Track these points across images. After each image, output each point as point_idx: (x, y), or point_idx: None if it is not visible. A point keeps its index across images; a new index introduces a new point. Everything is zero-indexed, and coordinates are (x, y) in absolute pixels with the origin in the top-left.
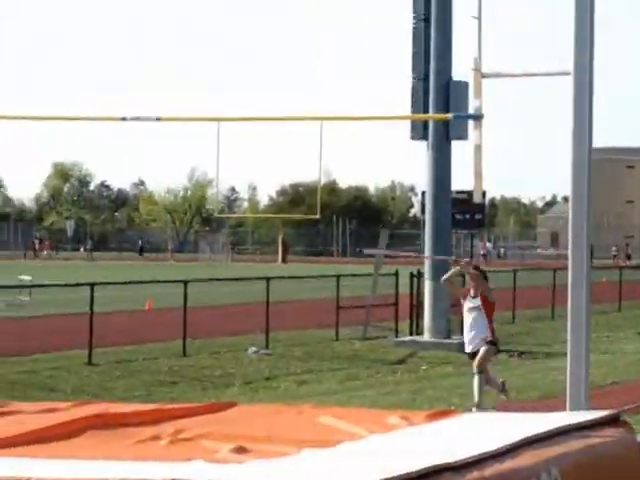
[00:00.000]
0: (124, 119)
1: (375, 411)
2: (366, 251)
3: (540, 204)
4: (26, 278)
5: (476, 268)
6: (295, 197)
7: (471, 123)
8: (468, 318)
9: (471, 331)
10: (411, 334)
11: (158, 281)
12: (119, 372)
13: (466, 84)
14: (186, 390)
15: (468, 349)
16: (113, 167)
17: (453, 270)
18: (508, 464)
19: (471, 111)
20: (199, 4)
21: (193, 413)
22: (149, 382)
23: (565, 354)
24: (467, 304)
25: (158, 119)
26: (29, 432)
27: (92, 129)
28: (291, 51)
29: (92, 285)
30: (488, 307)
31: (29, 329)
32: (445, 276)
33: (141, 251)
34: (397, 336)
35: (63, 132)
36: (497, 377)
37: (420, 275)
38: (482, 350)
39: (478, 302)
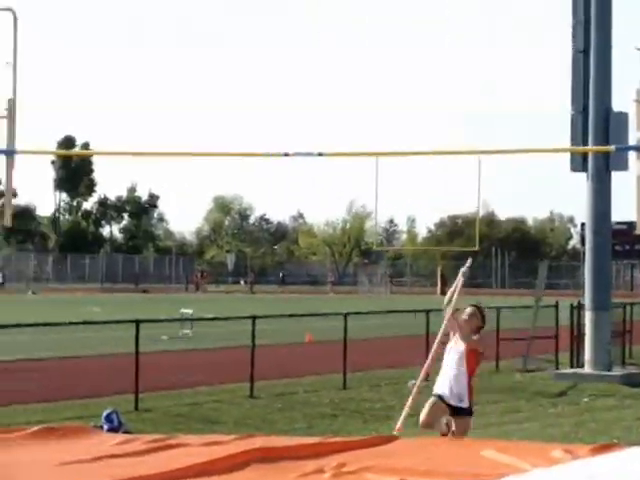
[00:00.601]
0: (286, 155)
1: (538, 444)
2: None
3: None
4: (188, 311)
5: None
6: (454, 229)
7: (632, 154)
8: (449, 359)
9: (451, 380)
10: (572, 366)
11: (318, 314)
12: (280, 405)
13: (626, 115)
14: (347, 423)
15: (451, 400)
16: (273, 200)
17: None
18: None
19: (632, 142)
20: (356, 44)
21: (355, 446)
22: (310, 415)
23: None
24: (453, 342)
25: (320, 154)
26: (194, 465)
27: (253, 163)
28: (447, 86)
29: (253, 318)
30: (474, 358)
31: (192, 362)
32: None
33: (283, 281)
34: (558, 368)
35: (224, 166)
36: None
37: (580, 306)
38: (467, 427)
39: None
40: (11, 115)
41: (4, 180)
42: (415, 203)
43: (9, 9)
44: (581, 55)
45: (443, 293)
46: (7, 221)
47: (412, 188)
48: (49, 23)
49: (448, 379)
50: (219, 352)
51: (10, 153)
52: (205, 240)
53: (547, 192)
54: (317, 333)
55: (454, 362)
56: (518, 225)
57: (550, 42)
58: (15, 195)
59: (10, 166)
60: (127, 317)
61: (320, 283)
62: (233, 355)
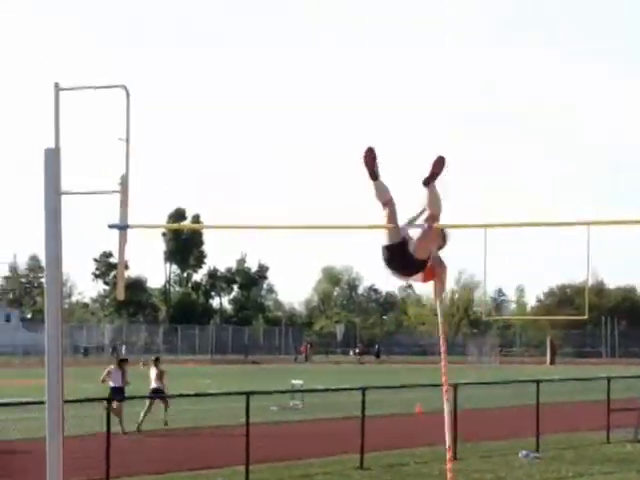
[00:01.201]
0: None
1: None
2: None
3: None
4: (298, 382)
5: None
6: (563, 298)
7: None
8: None
9: None
10: None
11: (427, 385)
12: (390, 476)
13: None
14: None
15: None
16: (381, 271)
17: None
18: None
19: None
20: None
21: None
22: None
23: None
24: None
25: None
26: None
27: (361, 233)
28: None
29: (363, 389)
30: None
31: (302, 433)
32: None
33: (377, 355)
34: None
35: (332, 237)
36: None
37: None
38: None
39: None
40: (124, 190)
41: (117, 254)
42: (524, 272)
43: (122, 86)
44: None
45: (552, 362)
46: (120, 294)
47: (521, 257)
48: (159, 97)
49: None
50: (329, 423)
51: (123, 228)
52: (314, 311)
53: None
54: (427, 403)
55: None
56: (628, 294)
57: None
58: (127, 267)
59: (123, 240)
60: (237, 389)
61: (429, 353)
62: (343, 426)
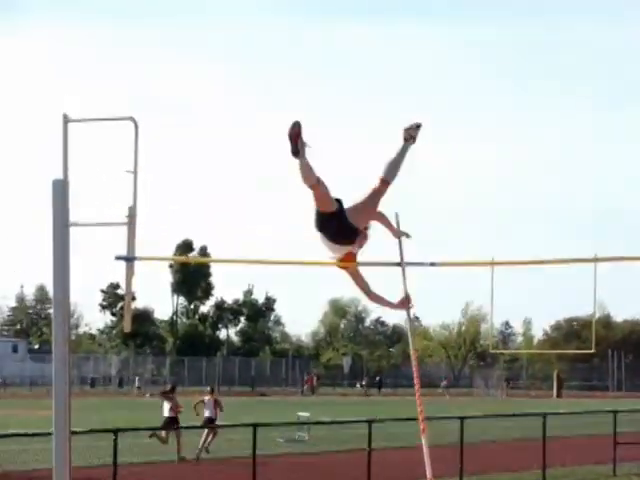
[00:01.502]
0: (399, 264)
1: None
2: None
3: None
4: (305, 415)
5: None
6: (569, 332)
7: None
8: None
9: None
10: None
11: (433, 417)
12: None
13: None
14: None
15: None
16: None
17: None
18: None
19: None
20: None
21: None
22: None
23: None
24: None
25: (432, 264)
26: None
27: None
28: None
29: (369, 422)
30: None
31: (307, 465)
32: None
33: (379, 387)
34: None
35: (339, 270)
36: None
37: None
38: None
39: None
40: (131, 222)
41: (124, 285)
42: (531, 305)
43: (130, 118)
44: None
45: (559, 396)
46: (127, 327)
47: (528, 290)
48: (167, 128)
49: None
50: (335, 455)
51: (130, 260)
52: (321, 343)
53: None
54: (433, 436)
55: None
56: (635, 327)
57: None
58: (134, 299)
59: (130, 272)
60: (244, 420)
61: (435, 385)
62: (349, 458)
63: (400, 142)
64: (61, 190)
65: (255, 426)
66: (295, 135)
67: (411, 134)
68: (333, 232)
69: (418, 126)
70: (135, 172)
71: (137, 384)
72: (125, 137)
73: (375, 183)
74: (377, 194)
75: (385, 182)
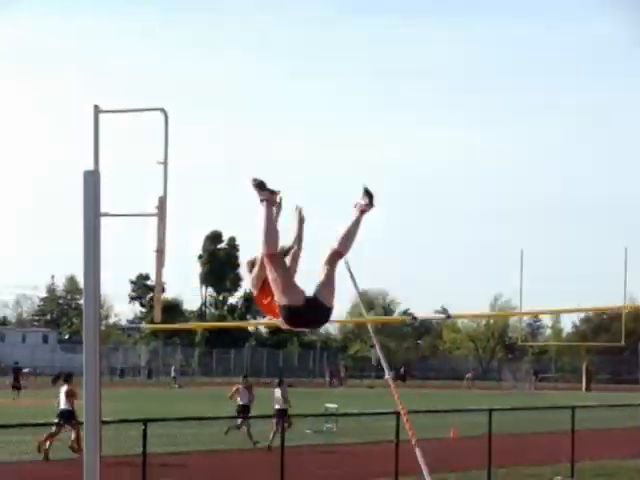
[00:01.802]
0: (414, 319)
1: None
2: None
3: None
4: (332, 406)
5: None
6: (599, 324)
7: None
8: None
9: None
10: None
11: (462, 410)
12: None
13: None
14: None
15: None
16: (417, 295)
17: None
18: None
19: None
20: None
21: None
22: None
23: None
24: None
25: (448, 317)
26: None
27: (396, 258)
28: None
29: (397, 414)
30: None
31: (335, 456)
32: None
33: (403, 378)
34: None
35: (368, 261)
36: None
37: None
38: None
39: None
40: (162, 213)
41: (154, 276)
42: (560, 297)
43: (160, 109)
44: None
45: (588, 389)
46: (157, 317)
47: (557, 282)
48: (197, 119)
49: None
50: (362, 447)
51: (160, 251)
52: (349, 334)
53: None
54: (462, 429)
55: None
56: None
57: None
58: (163, 290)
59: (160, 263)
60: (272, 411)
61: (461, 378)
62: (376, 450)
63: (354, 214)
64: (92, 181)
65: (282, 417)
66: (258, 185)
67: (364, 206)
68: (314, 319)
69: (369, 195)
70: (165, 163)
71: (173, 374)
72: (156, 128)
73: (329, 254)
74: (333, 264)
75: (339, 254)
